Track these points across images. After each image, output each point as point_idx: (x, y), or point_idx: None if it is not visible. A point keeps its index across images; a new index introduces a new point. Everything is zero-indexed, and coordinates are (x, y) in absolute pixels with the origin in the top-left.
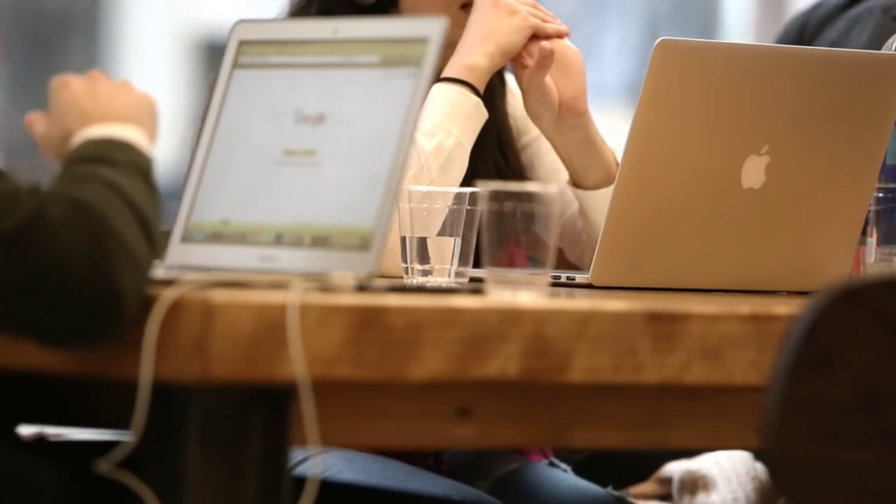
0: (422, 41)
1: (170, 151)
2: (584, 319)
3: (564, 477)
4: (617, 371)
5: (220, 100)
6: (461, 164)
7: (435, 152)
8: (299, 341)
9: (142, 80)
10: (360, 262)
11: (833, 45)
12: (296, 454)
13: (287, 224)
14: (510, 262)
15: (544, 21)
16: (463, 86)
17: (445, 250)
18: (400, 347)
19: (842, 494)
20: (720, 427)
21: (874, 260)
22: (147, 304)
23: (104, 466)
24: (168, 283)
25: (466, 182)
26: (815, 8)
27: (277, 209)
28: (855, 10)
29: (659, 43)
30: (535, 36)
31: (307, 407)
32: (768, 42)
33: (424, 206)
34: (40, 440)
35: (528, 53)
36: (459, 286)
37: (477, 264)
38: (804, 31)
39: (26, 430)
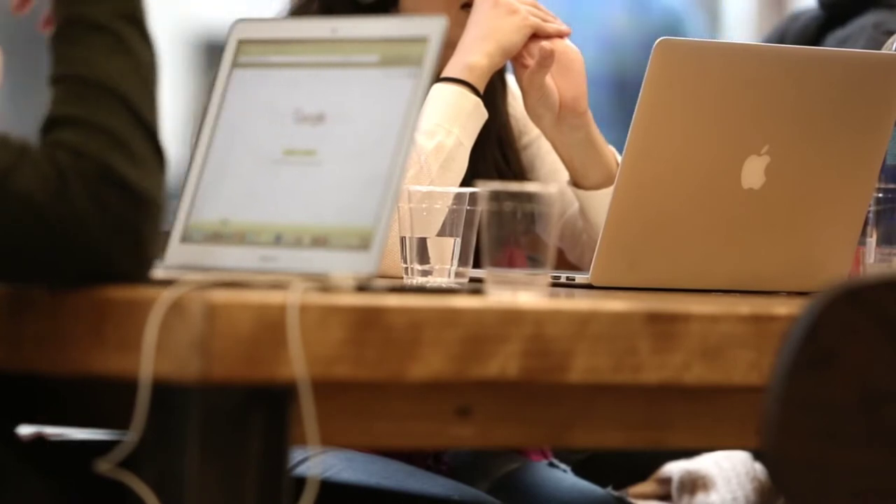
0: (422, 41)
1: (170, 151)
2: (584, 319)
3: (564, 477)
4: (617, 371)
5: (220, 99)
6: (461, 164)
7: (435, 152)
8: (299, 341)
9: None
10: (360, 262)
11: None
12: (296, 454)
13: (287, 224)
14: (510, 263)
15: (545, 21)
16: (463, 85)
17: (445, 250)
18: (400, 347)
19: (841, 494)
20: (720, 427)
21: (874, 260)
22: (147, 304)
23: (104, 466)
24: (168, 283)
25: (466, 182)
26: (791, 20)
27: (277, 209)
28: (843, 31)
29: (659, 43)
30: (536, 36)
31: (307, 407)
32: None
33: (424, 206)
34: (40, 440)
35: (529, 53)
36: (459, 286)
37: (477, 264)
38: (783, 43)
39: (26, 430)
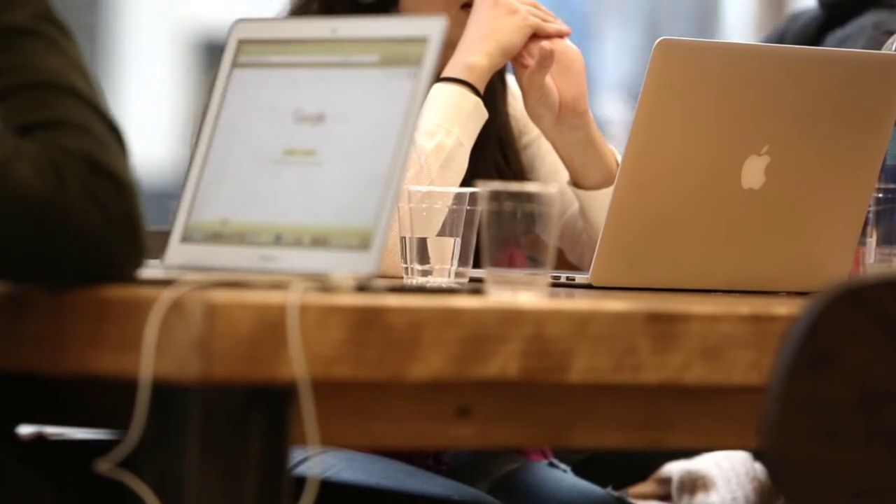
0: (421, 41)
1: (169, 151)
2: (584, 319)
3: (564, 477)
4: (617, 371)
5: (220, 99)
6: (461, 164)
7: (435, 152)
8: (299, 341)
9: (141, 79)
10: (360, 262)
11: None
12: (296, 454)
13: (287, 224)
14: (510, 263)
15: (545, 21)
16: (463, 85)
17: (445, 250)
18: (400, 347)
19: (841, 494)
20: (720, 427)
21: (874, 260)
22: (147, 304)
23: (104, 466)
24: (168, 283)
25: (466, 182)
26: (791, 20)
27: (277, 209)
28: (843, 31)
29: (659, 43)
30: (536, 35)
31: (307, 407)
32: None
33: (424, 206)
34: (40, 440)
35: (529, 53)
36: (459, 286)
37: (477, 264)
38: (783, 43)
39: (26, 430)
